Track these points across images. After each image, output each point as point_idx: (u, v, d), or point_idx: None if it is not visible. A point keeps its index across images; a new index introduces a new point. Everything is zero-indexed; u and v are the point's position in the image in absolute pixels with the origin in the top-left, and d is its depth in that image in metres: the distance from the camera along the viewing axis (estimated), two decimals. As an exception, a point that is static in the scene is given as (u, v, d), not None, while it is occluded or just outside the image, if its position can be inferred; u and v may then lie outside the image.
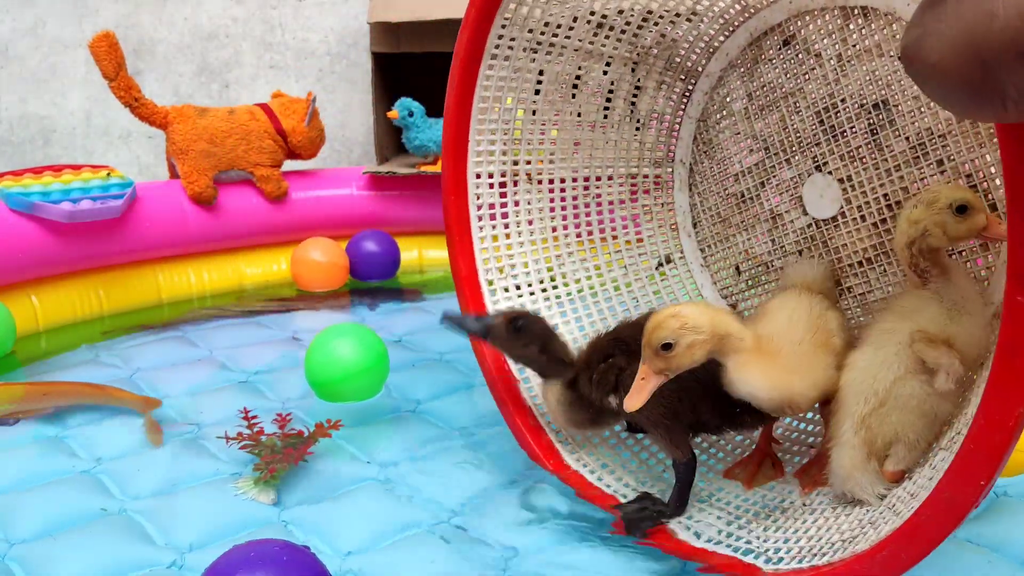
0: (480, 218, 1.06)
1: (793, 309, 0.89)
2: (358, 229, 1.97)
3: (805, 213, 1.02)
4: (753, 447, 0.99)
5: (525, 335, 0.92)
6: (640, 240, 1.14)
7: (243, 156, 1.88)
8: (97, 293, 1.66)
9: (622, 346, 0.90)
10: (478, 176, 1.05)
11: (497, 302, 1.06)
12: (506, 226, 1.08)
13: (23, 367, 1.40)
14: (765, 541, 0.82)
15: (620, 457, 1.01)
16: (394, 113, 2.00)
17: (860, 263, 0.98)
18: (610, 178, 1.14)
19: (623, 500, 0.92)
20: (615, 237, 1.16)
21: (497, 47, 0.98)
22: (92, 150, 2.63)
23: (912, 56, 0.46)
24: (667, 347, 0.75)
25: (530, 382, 1.04)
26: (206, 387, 1.28)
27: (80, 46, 2.53)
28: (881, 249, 0.96)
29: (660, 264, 1.15)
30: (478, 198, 1.05)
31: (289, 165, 2.04)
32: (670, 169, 1.15)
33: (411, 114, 2.00)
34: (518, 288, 1.08)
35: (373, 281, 1.93)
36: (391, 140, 2.21)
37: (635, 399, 0.77)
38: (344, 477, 1.01)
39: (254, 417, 1.07)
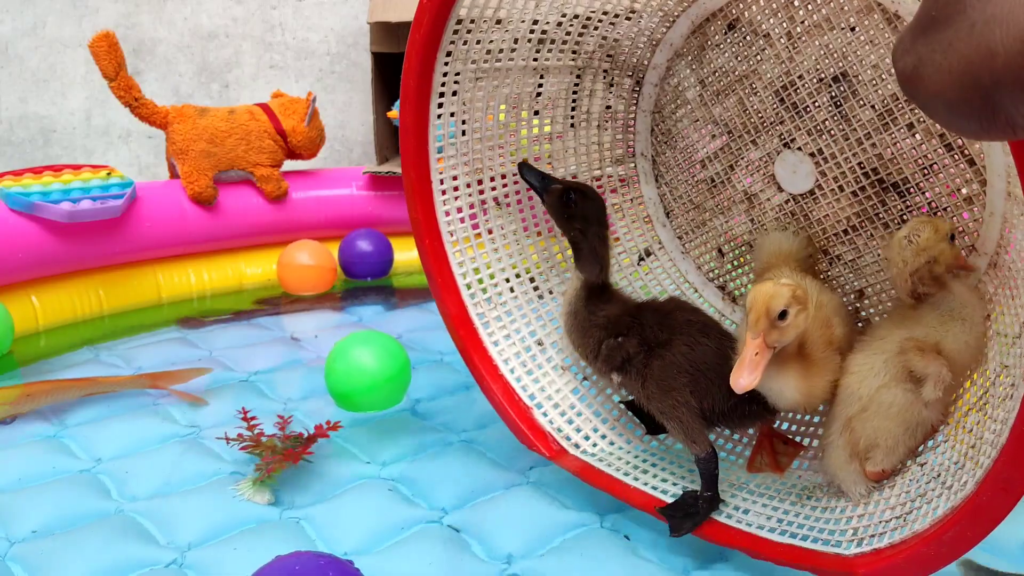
0: (459, 253, 1.06)
1: None
2: (358, 229, 1.97)
3: (780, 190, 1.02)
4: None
5: (572, 209, 0.92)
6: (617, 239, 1.14)
7: (243, 156, 1.88)
8: (97, 293, 1.66)
9: (638, 329, 0.91)
10: (447, 214, 1.05)
11: (492, 333, 1.06)
12: (484, 254, 1.08)
13: (22, 367, 1.40)
14: (816, 522, 0.83)
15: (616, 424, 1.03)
16: (394, 113, 2.00)
17: (846, 231, 0.98)
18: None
19: (624, 478, 0.93)
20: None
21: (443, 84, 0.97)
22: (92, 150, 2.62)
23: (911, 84, 0.46)
24: (783, 315, 0.75)
25: (522, 381, 1.05)
26: (206, 387, 1.28)
27: (80, 46, 2.53)
28: (865, 216, 0.96)
29: (641, 258, 1.15)
30: (452, 235, 1.05)
31: (289, 165, 2.04)
32: (632, 164, 1.14)
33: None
34: (509, 315, 1.08)
35: (366, 280, 1.93)
36: (391, 140, 2.21)
37: (753, 376, 0.75)
38: (344, 477, 1.01)
39: (253, 418, 1.07)
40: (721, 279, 1.13)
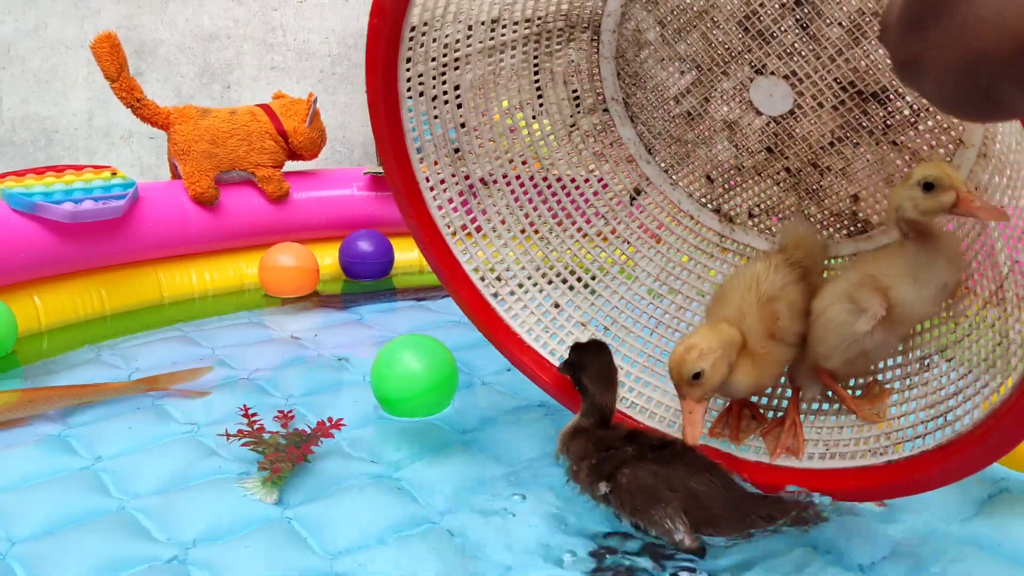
0: (461, 243, 1.09)
1: (740, 300, 0.95)
2: (359, 229, 1.97)
3: (760, 114, 1.02)
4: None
5: (573, 364, 0.99)
6: (605, 185, 1.16)
7: (244, 157, 1.88)
8: (99, 293, 1.66)
9: (636, 446, 0.92)
10: (440, 208, 1.07)
11: (510, 309, 1.09)
12: (484, 236, 1.11)
13: (25, 367, 1.41)
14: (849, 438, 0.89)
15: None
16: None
17: (832, 143, 0.99)
18: (556, 143, 1.16)
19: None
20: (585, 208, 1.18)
21: (409, 89, 0.99)
22: (94, 151, 2.63)
23: (909, 76, 0.46)
24: (697, 376, 0.86)
25: (549, 347, 1.09)
26: (207, 386, 1.29)
27: (82, 47, 2.54)
28: (849, 127, 0.96)
29: (633, 197, 1.16)
30: (449, 226, 1.08)
31: (290, 166, 2.05)
32: (605, 110, 1.15)
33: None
34: (521, 287, 1.10)
35: (366, 281, 1.94)
36: (392, 141, 2.21)
37: (695, 431, 0.86)
38: (345, 476, 1.01)
39: (254, 415, 1.08)
40: (715, 202, 1.14)
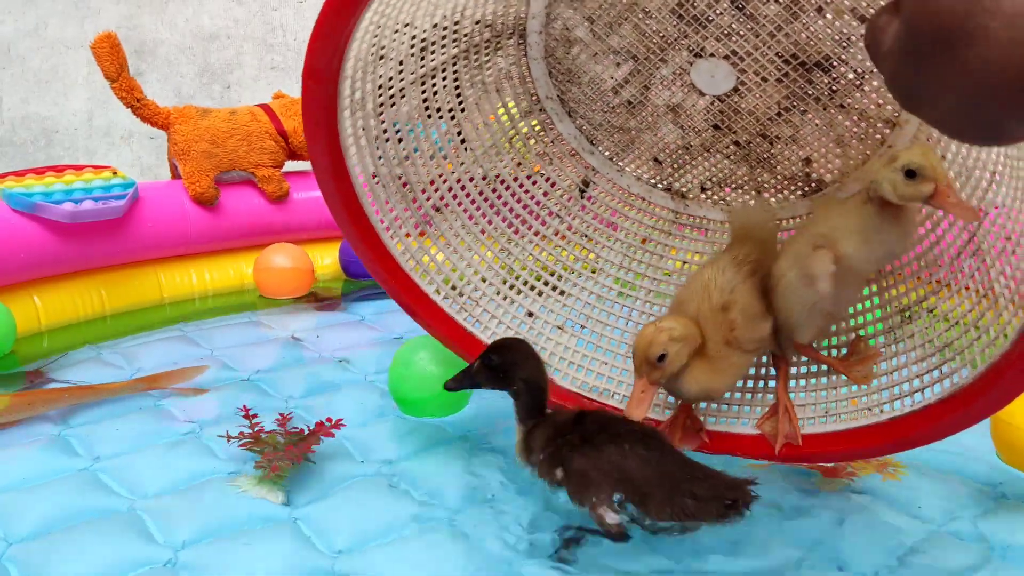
0: (425, 275, 1.10)
1: (696, 309, 0.95)
2: (359, 229, 1.97)
3: (703, 94, 1.01)
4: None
5: (496, 367, 0.93)
6: (553, 184, 1.16)
7: (244, 157, 1.88)
8: (99, 293, 1.66)
9: (580, 431, 0.90)
10: (400, 247, 1.09)
11: (486, 330, 1.10)
12: (447, 262, 1.11)
13: (24, 366, 1.41)
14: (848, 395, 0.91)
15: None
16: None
17: (779, 113, 0.99)
18: (499, 153, 1.16)
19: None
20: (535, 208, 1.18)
21: (351, 135, 1.00)
22: (94, 151, 2.63)
23: (909, 103, 0.46)
24: (661, 358, 0.88)
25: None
26: (207, 386, 1.29)
27: (82, 47, 2.54)
28: (795, 96, 0.96)
29: (582, 190, 1.16)
30: (410, 261, 1.09)
31: (291, 166, 2.05)
32: (541, 109, 1.14)
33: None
34: (492, 302, 1.11)
35: (366, 281, 1.94)
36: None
37: (640, 409, 0.88)
38: (346, 475, 1.01)
39: (254, 416, 1.08)
40: (665, 182, 1.14)
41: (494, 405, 1.04)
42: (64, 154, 2.62)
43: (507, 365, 0.93)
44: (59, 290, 1.60)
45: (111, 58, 1.74)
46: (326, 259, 1.98)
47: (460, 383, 0.97)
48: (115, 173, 1.71)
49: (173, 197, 1.80)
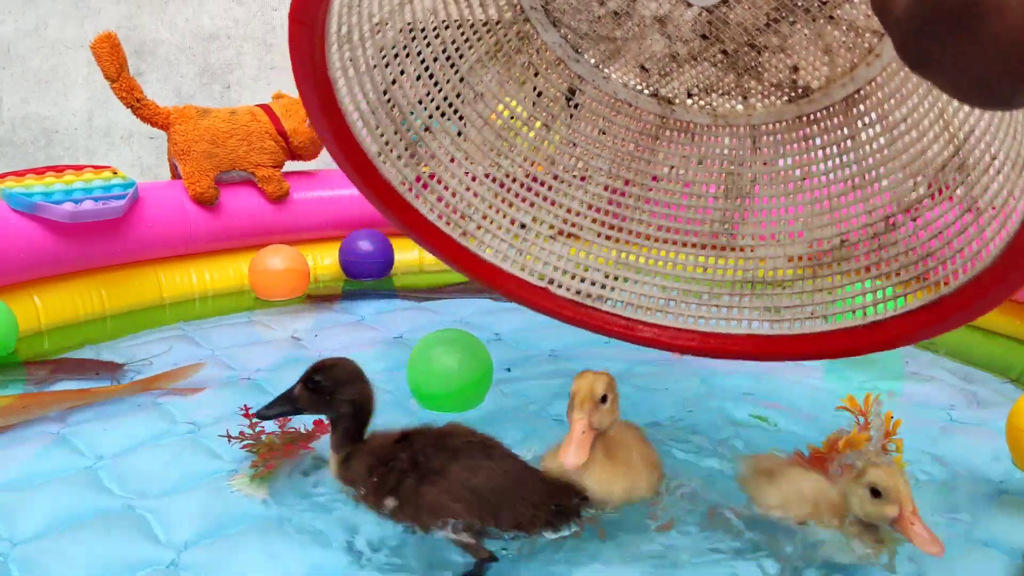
0: (419, 195, 1.11)
1: None
2: (359, 229, 1.97)
3: (691, 5, 1.01)
4: None
5: (323, 388, 0.89)
6: (540, 94, 1.17)
7: (244, 157, 1.88)
8: (99, 293, 1.66)
9: (410, 452, 0.87)
10: (392, 170, 1.09)
11: (480, 244, 1.11)
12: (439, 180, 1.12)
13: (24, 366, 1.41)
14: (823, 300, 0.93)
15: None
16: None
17: (767, 24, 0.99)
18: (484, 67, 1.17)
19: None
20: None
21: (339, 68, 1.01)
22: (94, 151, 2.63)
23: (920, 69, 0.46)
24: (604, 399, 0.85)
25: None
26: (208, 385, 1.29)
27: (82, 47, 2.54)
28: (784, 8, 0.97)
29: (568, 97, 1.17)
30: (403, 183, 1.09)
31: (290, 166, 2.05)
32: (525, 19, 1.14)
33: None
34: (486, 218, 1.12)
35: (366, 281, 1.94)
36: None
37: (581, 453, 0.82)
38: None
39: (255, 415, 1.08)
40: (651, 88, 1.14)
41: (509, 403, 1.04)
42: (64, 154, 2.62)
43: (333, 386, 0.89)
44: (59, 290, 1.60)
45: (111, 58, 1.74)
46: (326, 259, 1.98)
47: (275, 410, 0.92)
48: (115, 173, 1.71)
49: (173, 197, 1.81)
